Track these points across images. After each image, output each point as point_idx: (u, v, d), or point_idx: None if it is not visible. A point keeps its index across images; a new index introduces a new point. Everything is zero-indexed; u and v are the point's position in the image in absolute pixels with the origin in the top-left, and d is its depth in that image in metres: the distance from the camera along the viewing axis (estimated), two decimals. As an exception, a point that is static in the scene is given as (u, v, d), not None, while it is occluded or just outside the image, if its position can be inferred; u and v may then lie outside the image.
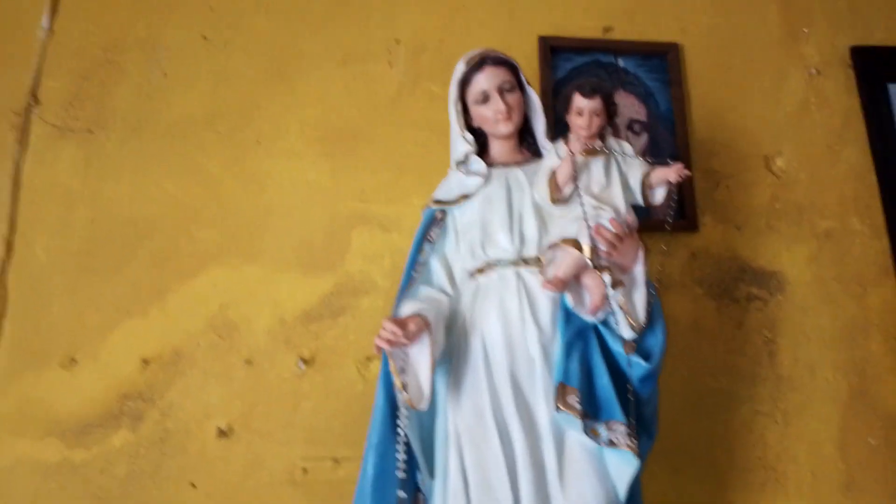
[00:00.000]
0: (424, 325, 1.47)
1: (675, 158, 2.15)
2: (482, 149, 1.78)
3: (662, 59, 2.25)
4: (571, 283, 1.56)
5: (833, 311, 2.10)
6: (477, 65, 1.67)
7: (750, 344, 2.07)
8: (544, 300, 1.53)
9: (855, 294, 2.11)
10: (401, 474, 1.45)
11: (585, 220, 1.51)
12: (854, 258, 2.14)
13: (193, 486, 1.86)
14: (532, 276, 1.56)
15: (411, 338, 1.43)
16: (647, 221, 2.07)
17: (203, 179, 2.09)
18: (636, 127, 2.19)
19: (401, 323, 1.41)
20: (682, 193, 2.13)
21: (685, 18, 2.29)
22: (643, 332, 1.53)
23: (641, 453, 1.42)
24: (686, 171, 1.52)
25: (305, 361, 1.96)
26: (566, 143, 1.57)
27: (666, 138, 2.18)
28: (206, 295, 2.00)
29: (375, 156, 2.13)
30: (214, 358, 1.96)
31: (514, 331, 1.52)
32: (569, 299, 1.54)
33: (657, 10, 2.29)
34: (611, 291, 1.52)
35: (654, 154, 2.17)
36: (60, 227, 2.03)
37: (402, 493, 1.46)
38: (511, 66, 1.70)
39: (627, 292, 1.55)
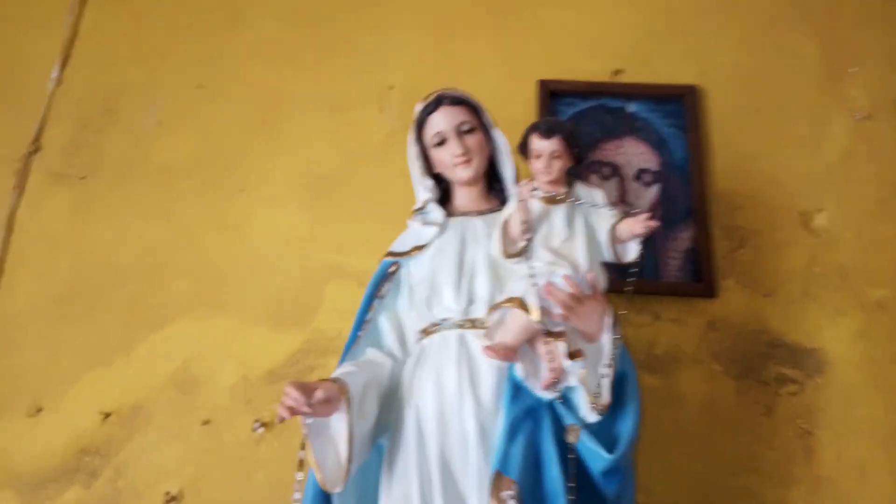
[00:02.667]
0: (340, 392, 1.28)
1: (691, 212, 1.90)
2: (446, 197, 1.61)
3: (678, 103, 2.01)
4: (526, 351, 1.34)
5: (888, 400, 1.72)
6: (432, 105, 1.52)
7: (780, 436, 1.72)
8: (488, 369, 1.32)
9: (916, 379, 1.72)
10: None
11: (533, 276, 1.30)
12: (915, 335, 1.76)
13: (135, 552, 1.73)
14: (477, 341, 1.35)
15: (321, 408, 1.24)
16: (659, 284, 1.83)
17: (181, 227, 2.04)
18: (646, 177, 1.95)
19: (305, 388, 1.23)
20: (698, 252, 1.85)
21: (705, 59, 2.06)
22: (610, 413, 1.28)
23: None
24: (653, 223, 1.29)
25: (264, 425, 1.81)
26: (519, 191, 1.38)
27: (680, 190, 1.93)
28: (172, 347, 1.92)
29: (357, 206, 2.01)
30: (173, 415, 1.85)
31: (450, 404, 1.30)
32: (518, 370, 1.31)
33: (673, 51, 2.07)
34: (567, 363, 1.28)
35: (667, 208, 1.92)
36: (44, 272, 2.04)
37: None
38: (471, 106, 1.54)
39: (590, 365, 1.30)
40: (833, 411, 1.73)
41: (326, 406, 1.25)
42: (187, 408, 1.85)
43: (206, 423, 1.84)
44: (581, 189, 1.43)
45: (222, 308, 1.93)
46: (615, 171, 1.96)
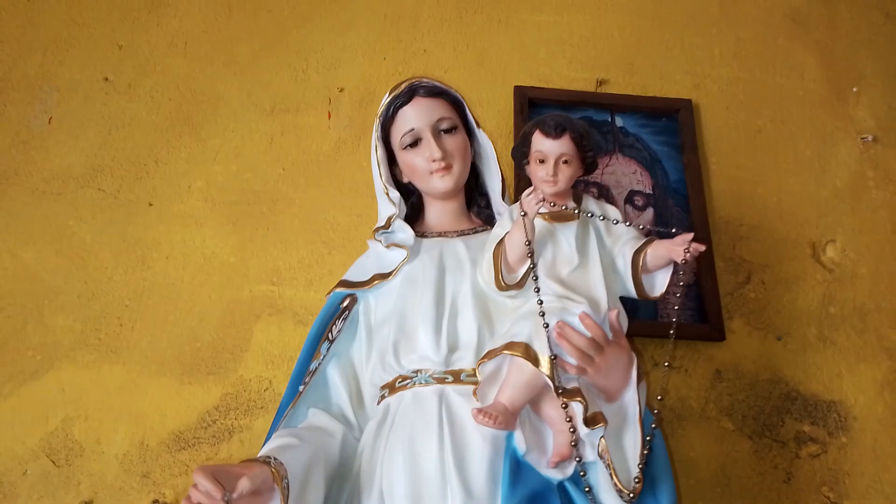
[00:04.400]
0: (274, 478, 0.90)
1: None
2: (415, 214, 1.28)
3: (671, 119, 1.77)
4: (526, 415, 1.01)
5: (922, 462, 1.48)
6: (403, 96, 1.20)
7: (804, 505, 1.45)
8: (478, 441, 0.97)
9: (951, 437, 1.50)
10: None
11: (543, 315, 0.97)
12: (944, 385, 1.55)
13: None
14: (463, 402, 1.01)
15: None
16: (658, 325, 1.55)
17: (70, 248, 1.61)
18: (638, 200, 1.69)
19: (222, 475, 0.85)
20: (701, 287, 1.58)
21: (698, 72, 1.84)
22: (637, 498, 0.95)
23: None
24: (700, 246, 0.99)
25: (166, 506, 1.39)
26: (521, 205, 1.05)
27: (677, 215, 1.67)
28: (47, 403, 1.48)
29: (297, 227, 1.64)
30: (43, 495, 1.40)
31: (428, 490, 0.95)
32: (520, 442, 0.98)
33: (663, 62, 1.84)
34: (584, 431, 0.96)
35: (663, 236, 1.65)
36: None
37: None
38: (453, 100, 1.23)
39: (613, 434, 0.98)
40: (861, 476, 1.47)
41: (254, 501, 0.87)
42: (63, 484, 1.41)
43: (87, 505, 1.40)
44: (591, 202, 1.13)
45: (116, 352, 1.51)
46: (602, 192, 1.69)
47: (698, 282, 1.60)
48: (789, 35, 1.90)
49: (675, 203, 1.69)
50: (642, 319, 1.56)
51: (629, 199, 1.69)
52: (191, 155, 1.71)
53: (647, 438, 0.95)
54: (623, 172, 1.72)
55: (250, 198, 1.67)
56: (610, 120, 1.77)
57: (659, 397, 1.00)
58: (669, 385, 1.52)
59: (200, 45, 1.85)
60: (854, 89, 1.84)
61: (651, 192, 1.70)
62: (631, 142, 1.76)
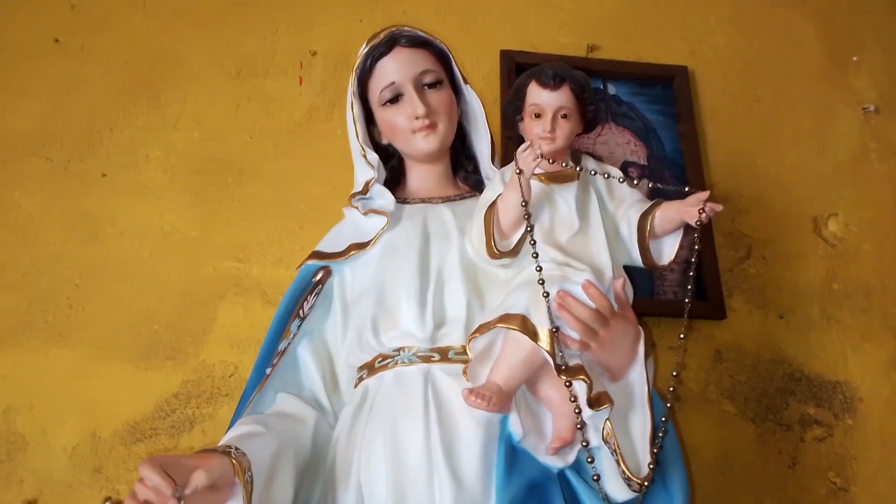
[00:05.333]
0: (235, 471, 0.78)
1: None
2: (396, 179, 1.16)
3: (666, 87, 1.67)
4: (523, 396, 0.90)
5: (930, 445, 1.41)
6: (383, 46, 1.08)
7: (809, 492, 1.37)
8: (470, 426, 0.86)
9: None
10: None
11: (542, 284, 0.86)
12: (952, 364, 1.47)
13: None
14: (452, 382, 0.89)
15: (201, 500, 0.74)
16: (655, 303, 1.45)
17: (14, 223, 1.46)
18: (632, 172, 1.58)
19: (174, 468, 0.73)
20: (700, 262, 1.48)
21: (694, 38, 1.74)
22: (646, 487, 0.85)
23: None
24: (716, 206, 0.90)
25: None
26: (516, 162, 0.94)
27: (673, 188, 1.56)
28: (-13, 392, 1.33)
29: (265, 198, 1.51)
30: (-19, 492, 1.26)
31: (413, 481, 0.84)
32: (515, 427, 0.87)
33: (657, 27, 1.74)
34: (588, 413, 0.85)
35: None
36: None
37: None
38: (438, 52, 1.11)
39: (619, 416, 0.88)
40: (867, 461, 1.40)
41: (211, 497, 0.75)
42: (3, 482, 1.27)
43: (31, 503, 1.26)
44: (590, 161, 1.02)
45: (65, 336, 1.37)
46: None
47: (698, 258, 1.50)
48: (787, 2, 1.80)
49: (672, 174, 1.59)
50: (637, 296, 1.45)
51: (623, 171, 1.57)
52: (148, 122, 1.57)
53: (663, 420, 0.85)
54: (616, 143, 1.62)
55: (214, 167, 1.53)
56: (602, 87, 1.66)
57: (674, 373, 0.89)
58: (666, 366, 1.42)
59: (161, 2, 1.69)
60: (854, 58, 1.75)
61: (646, 164, 1.60)
62: (624, 111, 1.65)
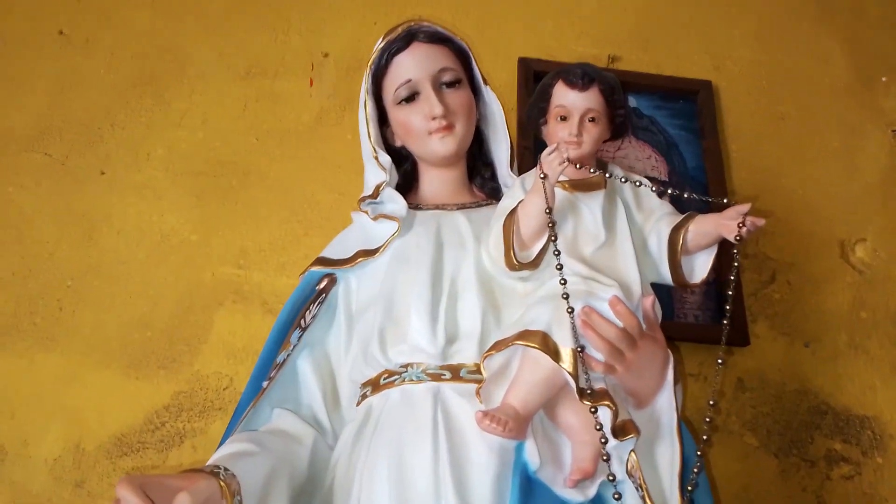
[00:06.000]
0: (224, 494, 0.71)
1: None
2: (408, 183, 1.10)
3: (689, 101, 1.61)
4: (540, 421, 0.83)
5: (964, 487, 1.32)
6: (400, 41, 1.02)
7: (837, 535, 1.28)
8: (482, 453, 0.78)
9: None
10: None
11: (567, 298, 0.79)
12: None
13: None
14: (463, 403, 0.82)
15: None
16: (674, 326, 1.38)
17: (7, 219, 1.40)
18: (661, 185, 1.51)
19: (155, 488, 0.66)
20: (722, 285, 1.41)
21: (717, 52, 1.68)
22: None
23: None
24: (758, 220, 0.83)
25: (104, 521, 1.18)
26: (540, 166, 0.87)
27: (696, 204, 1.49)
28: (-32, 397, 1.25)
29: (270, 203, 1.45)
30: (-44, 504, 1.18)
31: (419, 512, 0.76)
32: (532, 455, 0.79)
33: (679, 40, 1.68)
34: (613, 442, 0.77)
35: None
36: None
37: None
38: (458, 49, 1.05)
39: (644, 447, 0.80)
40: (898, 503, 1.31)
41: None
42: (-20, 493, 1.19)
43: (8, 518, 1.18)
44: (619, 172, 0.95)
45: (53, 339, 1.30)
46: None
47: (718, 279, 1.43)
48: (814, 18, 1.75)
49: (694, 192, 1.51)
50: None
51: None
52: (152, 119, 1.51)
53: (698, 454, 0.78)
54: (637, 157, 1.55)
55: (217, 169, 1.47)
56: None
57: (711, 402, 0.82)
58: (688, 395, 1.34)
59: (169, -1, 1.65)
60: (883, 79, 1.69)
61: (667, 179, 1.53)
62: (645, 124, 1.59)
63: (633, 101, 1.61)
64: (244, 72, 1.58)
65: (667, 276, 0.91)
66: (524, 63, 1.59)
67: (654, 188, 0.88)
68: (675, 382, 0.85)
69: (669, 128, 1.60)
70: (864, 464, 1.34)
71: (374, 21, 1.65)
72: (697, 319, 1.42)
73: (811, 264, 1.50)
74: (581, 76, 0.88)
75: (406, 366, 0.86)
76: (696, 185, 1.54)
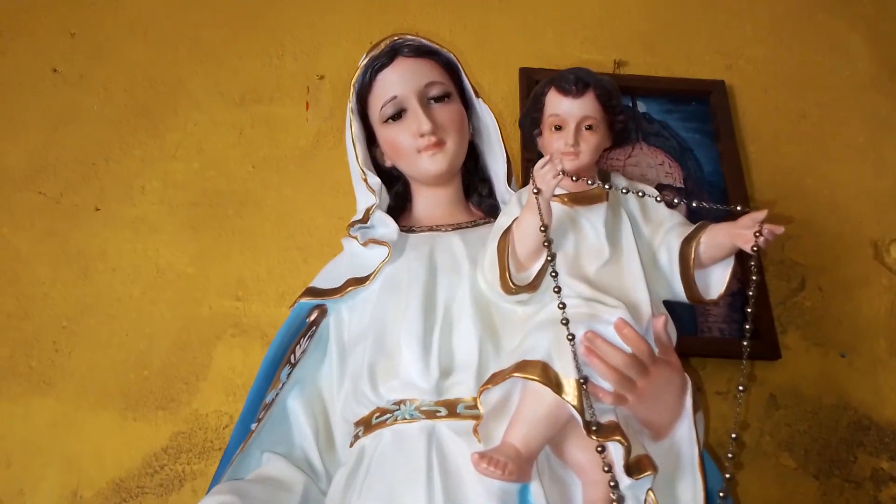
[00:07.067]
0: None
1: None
2: (401, 205, 1.04)
3: (702, 103, 1.53)
4: (546, 460, 0.75)
5: None
6: (384, 56, 0.97)
7: (888, 564, 1.17)
8: (482, 497, 0.71)
9: None
10: None
11: (566, 323, 0.72)
12: None
13: None
14: (460, 442, 0.75)
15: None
16: (698, 341, 1.30)
17: (2, 260, 1.38)
18: (667, 195, 1.42)
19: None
20: (747, 295, 1.32)
21: (729, 51, 1.60)
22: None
23: None
24: (777, 228, 0.75)
25: (103, 571, 1.13)
26: (533, 180, 0.80)
27: (714, 212, 1.41)
28: (-37, 444, 1.22)
29: (268, 231, 1.41)
30: (-49, 558, 1.14)
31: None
32: (538, 498, 0.72)
33: (688, 41, 1.61)
34: (626, 481, 0.70)
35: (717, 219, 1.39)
36: None
37: None
38: (446, 62, 1.00)
39: (665, 484, 0.72)
40: (955, 525, 1.20)
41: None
42: (-24, 546, 1.15)
43: (4, 571, 1.14)
44: (622, 182, 0.88)
45: (49, 383, 1.27)
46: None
47: (744, 289, 1.35)
48: (830, 10, 1.66)
49: (712, 197, 1.44)
50: (679, 334, 1.29)
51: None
52: (146, 152, 1.48)
53: (721, 495, 0.69)
54: (649, 164, 1.48)
55: (214, 199, 1.44)
56: (632, 105, 1.53)
57: (733, 435, 0.74)
58: (714, 415, 1.26)
59: (163, 30, 1.62)
60: (909, 68, 1.60)
61: (682, 186, 1.45)
62: (656, 129, 1.52)
63: (642, 106, 1.54)
64: (239, 98, 1.55)
65: (680, 293, 0.84)
66: (525, 73, 1.53)
67: (659, 198, 0.81)
68: (695, 410, 0.77)
69: (682, 131, 1.52)
70: (915, 484, 1.23)
71: (370, 40, 1.58)
72: (723, 333, 1.33)
73: (843, 268, 1.40)
74: (574, 82, 0.82)
75: (399, 403, 0.80)
76: (713, 189, 1.45)
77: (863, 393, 1.29)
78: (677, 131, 1.52)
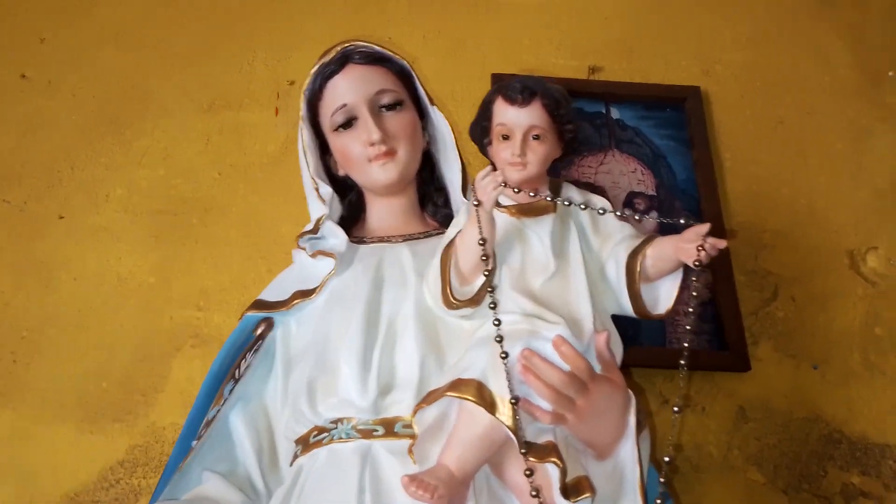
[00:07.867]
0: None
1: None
2: (355, 216, 1.02)
3: (676, 109, 1.51)
4: (485, 481, 0.73)
5: None
6: (334, 63, 0.95)
7: (859, 583, 1.15)
8: (414, 522, 0.69)
9: None
10: None
11: (500, 341, 0.70)
12: None
13: None
14: (395, 464, 0.73)
15: None
16: (667, 353, 1.27)
17: (-39, 269, 1.36)
18: (639, 203, 1.41)
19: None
20: (719, 306, 1.30)
21: (707, 56, 1.58)
22: None
23: None
24: (719, 242, 0.73)
25: (55, 587, 1.11)
26: (474, 191, 0.78)
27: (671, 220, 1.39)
28: (-86, 457, 1.20)
29: (232, 239, 1.39)
30: None
31: None
32: (472, 520, 0.69)
33: (666, 46, 1.59)
34: (563, 503, 0.67)
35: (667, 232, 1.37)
36: None
37: None
38: (398, 69, 0.98)
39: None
40: (929, 543, 1.17)
41: None
42: (-74, 562, 1.13)
43: (-45, 588, 1.12)
44: (573, 194, 0.86)
45: (6, 395, 1.25)
46: (597, 193, 1.42)
47: (715, 300, 1.32)
48: (811, 15, 1.64)
49: (684, 206, 1.41)
50: (645, 345, 1.27)
51: (628, 203, 1.42)
52: (112, 159, 1.46)
53: (642, 491, 0.67)
54: (621, 171, 1.45)
55: (178, 207, 1.42)
56: (605, 112, 1.51)
57: (666, 459, 0.71)
58: (683, 429, 1.23)
59: (134, 36, 1.61)
60: (890, 73, 1.57)
61: (654, 194, 1.43)
62: (630, 136, 1.49)
63: (615, 112, 1.52)
64: (207, 105, 1.53)
65: (628, 308, 0.81)
66: (498, 79, 1.50)
67: (601, 210, 0.78)
68: (640, 430, 0.74)
69: (656, 138, 1.50)
70: (887, 498, 1.20)
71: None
72: (693, 345, 1.30)
73: (818, 278, 1.37)
74: (520, 90, 0.79)
75: (336, 421, 0.77)
76: (686, 198, 1.43)
77: (835, 406, 1.27)
78: (651, 138, 1.49)
